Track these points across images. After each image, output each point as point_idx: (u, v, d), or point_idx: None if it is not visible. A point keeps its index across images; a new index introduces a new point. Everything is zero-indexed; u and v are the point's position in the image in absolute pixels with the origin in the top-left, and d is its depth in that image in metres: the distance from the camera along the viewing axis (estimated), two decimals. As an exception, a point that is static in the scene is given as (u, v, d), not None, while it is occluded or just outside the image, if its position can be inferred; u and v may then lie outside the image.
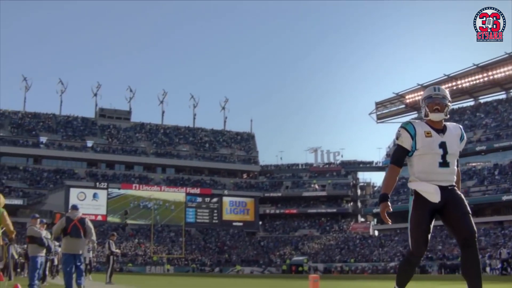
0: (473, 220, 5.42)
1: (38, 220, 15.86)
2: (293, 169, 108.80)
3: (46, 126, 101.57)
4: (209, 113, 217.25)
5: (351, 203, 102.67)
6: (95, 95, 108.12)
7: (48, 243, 15.73)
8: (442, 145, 5.46)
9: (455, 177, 5.62)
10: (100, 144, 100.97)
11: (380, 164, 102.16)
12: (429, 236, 5.52)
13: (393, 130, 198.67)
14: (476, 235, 5.35)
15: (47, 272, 18.79)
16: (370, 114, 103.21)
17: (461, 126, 5.83)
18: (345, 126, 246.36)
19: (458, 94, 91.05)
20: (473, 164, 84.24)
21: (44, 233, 15.64)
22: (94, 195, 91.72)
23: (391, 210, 5.63)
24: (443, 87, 5.93)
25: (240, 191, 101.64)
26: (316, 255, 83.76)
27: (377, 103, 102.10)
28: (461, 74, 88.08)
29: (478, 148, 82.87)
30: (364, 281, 29.29)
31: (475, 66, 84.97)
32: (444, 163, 5.47)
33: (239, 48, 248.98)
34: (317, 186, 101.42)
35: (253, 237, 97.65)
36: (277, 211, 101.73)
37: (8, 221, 12.23)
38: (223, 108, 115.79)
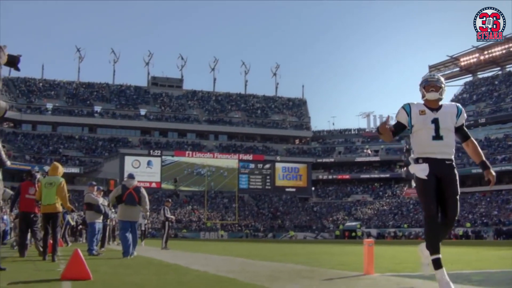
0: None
1: (95, 188, 16.17)
2: (346, 135, 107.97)
3: (100, 95, 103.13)
4: (261, 79, 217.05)
5: (405, 168, 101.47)
6: (147, 64, 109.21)
7: (105, 209, 16.01)
8: (435, 121, 6.16)
9: (452, 150, 6.21)
10: (153, 112, 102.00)
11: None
12: (435, 197, 6.04)
13: (447, 94, 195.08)
14: (457, 217, 6.13)
15: (106, 238, 19.19)
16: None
17: (458, 105, 6.46)
18: (398, 91, 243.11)
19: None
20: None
21: (101, 200, 15.92)
22: (148, 163, 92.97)
23: (390, 122, 6.29)
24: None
25: (292, 157, 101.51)
26: (369, 221, 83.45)
27: (430, 67, 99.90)
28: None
29: None
30: (417, 246, 29.04)
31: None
32: (437, 137, 6.14)
33: (289, 13, 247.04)
34: (369, 151, 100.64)
35: (306, 202, 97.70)
36: (330, 177, 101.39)
37: (65, 192, 12.49)
38: (275, 74, 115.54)
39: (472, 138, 6.36)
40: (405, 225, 78.21)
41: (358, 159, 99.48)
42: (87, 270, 6.64)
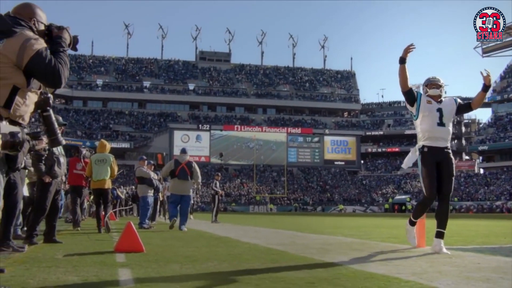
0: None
1: (146, 162, 16.34)
2: (395, 107, 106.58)
3: (148, 71, 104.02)
4: (309, 52, 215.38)
5: (455, 141, 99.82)
6: (195, 38, 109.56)
7: (156, 183, 16.19)
8: (439, 110, 7.37)
9: (450, 137, 7.50)
10: (201, 86, 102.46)
11: (486, 100, 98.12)
12: (435, 183, 7.25)
13: (500, 64, 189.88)
14: (451, 193, 7.43)
15: (157, 212, 19.43)
16: (475, 48, 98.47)
17: (455, 98, 7.77)
18: (448, 61, 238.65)
19: None
20: None
21: (152, 174, 16.09)
22: (197, 137, 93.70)
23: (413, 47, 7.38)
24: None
25: (341, 130, 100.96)
26: (419, 194, 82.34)
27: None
28: None
29: None
30: (469, 219, 28.65)
31: None
32: (441, 124, 7.34)
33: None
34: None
35: (355, 176, 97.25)
36: (379, 150, 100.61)
37: (114, 168, 12.83)
38: (323, 46, 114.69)
39: (469, 102, 7.68)
40: (456, 199, 77.15)
41: (408, 132, 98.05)
42: (140, 242, 6.75)
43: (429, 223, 7.92)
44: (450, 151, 7.41)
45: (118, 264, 5.35)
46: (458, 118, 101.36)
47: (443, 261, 5.67)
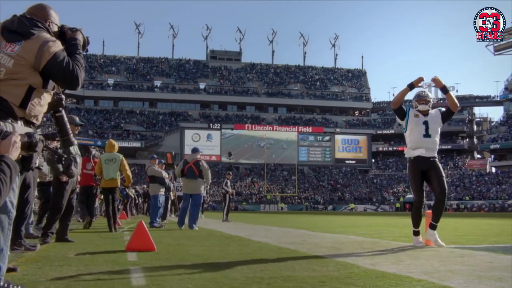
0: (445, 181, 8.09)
1: (157, 161, 16.38)
2: (406, 105, 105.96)
3: (159, 70, 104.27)
4: (320, 51, 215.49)
5: (467, 139, 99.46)
6: (206, 38, 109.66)
7: (167, 182, 16.23)
8: (425, 123, 8.16)
9: (436, 147, 8.22)
10: (212, 85, 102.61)
11: (498, 98, 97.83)
12: (423, 187, 8.22)
13: (508, 63, 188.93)
14: (446, 192, 8.04)
15: (168, 210, 19.45)
16: (487, 46, 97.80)
17: (440, 108, 8.50)
18: (460, 60, 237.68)
19: None
20: None
21: (164, 173, 16.12)
22: (208, 136, 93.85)
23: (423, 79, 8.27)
24: None
25: (352, 128, 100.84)
26: (430, 193, 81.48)
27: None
28: None
29: None
30: (481, 218, 28.53)
31: None
32: (427, 135, 8.11)
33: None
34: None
35: (366, 174, 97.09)
36: (390, 148, 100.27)
37: (127, 167, 13.02)
38: (333, 45, 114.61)
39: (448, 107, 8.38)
40: (467, 197, 76.94)
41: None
42: (151, 241, 6.78)
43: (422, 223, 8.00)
44: (436, 159, 8.16)
45: (129, 263, 5.37)
46: (470, 117, 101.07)
47: (455, 260, 5.65)
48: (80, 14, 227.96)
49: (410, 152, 8.19)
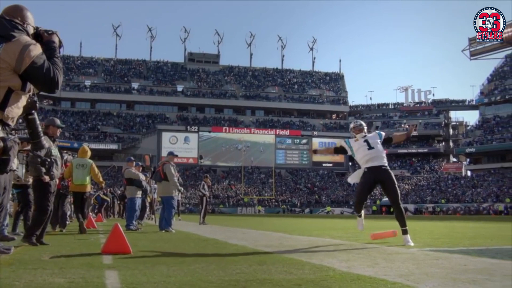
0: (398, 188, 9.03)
1: (134, 163, 16.29)
2: (383, 109, 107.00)
3: (137, 72, 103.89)
4: (298, 54, 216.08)
5: (443, 143, 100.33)
6: (184, 40, 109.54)
7: (144, 185, 16.16)
8: (366, 141, 9.21)
9: (384, 155, 9.22)
10: (190, 88, 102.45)
11: (474, 103, 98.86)
12: (368, 196, 9.44)
13: (488, 67, 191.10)
14: (399, 199, 8.88)
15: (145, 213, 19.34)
16: (463, 50, 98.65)
17: (377, 132, 9.68)
18: (436, 64, 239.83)
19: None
20: None
21: (141, 176, 16.04)
22: (186, 139, 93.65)
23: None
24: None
25: (329, 132, 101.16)
26: (406, 196, 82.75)
27: (470, 39, 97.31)
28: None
29: None
30: (456, 221, 28.77)
31: None
32: (370, 148, 9.09)
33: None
34: (407, 126, 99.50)
35: (343, 177, 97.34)
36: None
37: (97, 171, 13.23)
38: (311, 48, 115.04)
39: (391, 136, 9.77)
40: (443, 200, 77.56)
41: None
42: (127, 244, 6.75)
43: (389, 224, 8.04)
44: (387, 168, 9.05)
45: (105, 265, 5.34)
46: (446, 121, 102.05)
47: (430, 263, 5.69)
48: (57, 15, 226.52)
49: (363, 166, 9.17)
